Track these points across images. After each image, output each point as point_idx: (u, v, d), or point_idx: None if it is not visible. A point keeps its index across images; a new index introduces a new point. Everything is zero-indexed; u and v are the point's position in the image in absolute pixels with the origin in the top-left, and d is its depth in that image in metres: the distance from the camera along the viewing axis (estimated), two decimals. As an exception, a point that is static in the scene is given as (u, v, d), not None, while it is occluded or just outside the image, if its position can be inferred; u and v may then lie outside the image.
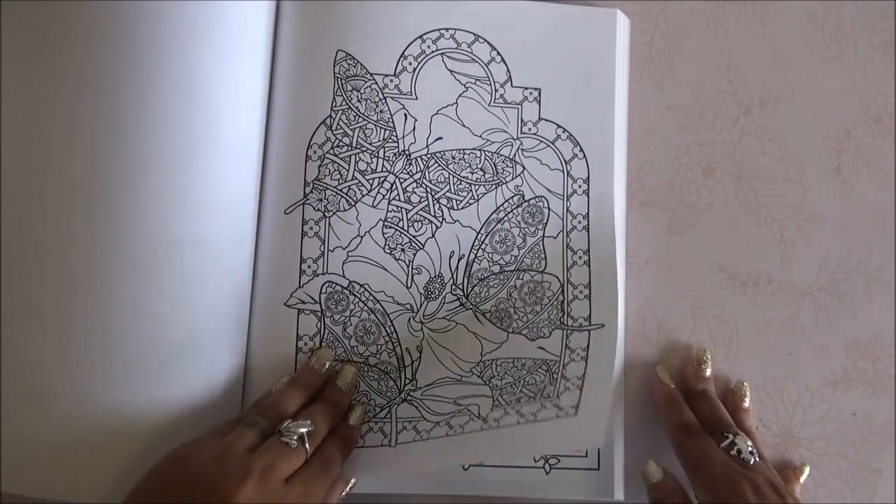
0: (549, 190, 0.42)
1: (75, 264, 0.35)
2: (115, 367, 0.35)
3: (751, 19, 0.46)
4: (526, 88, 0.43)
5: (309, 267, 0.41)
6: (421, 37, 0.42)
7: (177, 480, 0.31)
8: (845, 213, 0.45)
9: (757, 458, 0.37)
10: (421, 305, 0.41)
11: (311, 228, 0.41)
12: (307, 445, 0.34)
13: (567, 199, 0.42)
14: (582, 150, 0.42)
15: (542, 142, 0.42)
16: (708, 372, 0.42)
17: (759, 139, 0.45)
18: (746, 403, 0.42)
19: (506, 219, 0.42)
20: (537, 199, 0.42)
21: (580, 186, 0.42)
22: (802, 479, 0.42)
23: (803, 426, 0.44)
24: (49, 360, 0.35)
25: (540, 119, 0.42)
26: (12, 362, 0.35)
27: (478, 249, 0.42)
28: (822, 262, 0.45)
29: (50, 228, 0.35)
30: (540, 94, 0.43)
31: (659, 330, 0.44)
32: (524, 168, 0.42)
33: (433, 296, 0.41)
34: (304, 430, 0.34)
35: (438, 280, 0.41)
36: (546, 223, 0.42)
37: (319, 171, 0.41)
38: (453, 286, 0.41)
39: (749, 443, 0.38)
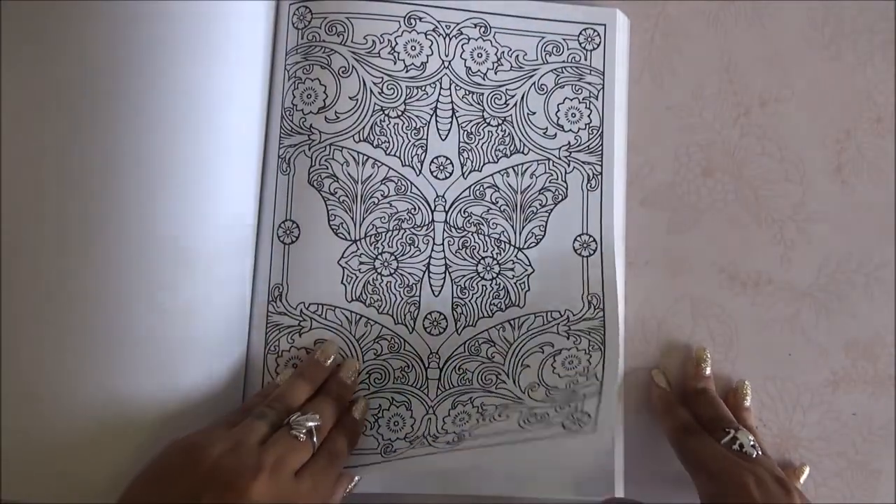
0: None
1: (75, 263, 0.35)
2: (114, 364, 0.35)
3: (751, 19, 0.46)
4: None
5: None
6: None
7: (188, 471, 0.30)
8: (845, 213, 0.45)
9: (760, 452, 0.37)
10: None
11: None
12: (315, 439, 0.34)
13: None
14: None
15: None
16: (708, 371, 0.42)
17: (759, 139, 0.45)
18: (748, 402, 0.42)
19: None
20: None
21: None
22: (802, 479, 0.42)
23: (803, 426, 0.44)
24: (48, 359, 0.35)
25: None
26: (11, 364, 0.35)
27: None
28: (822, 262, 0.45)
29: (50, 227, 0.35)
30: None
31: (659, 330, 0.44)
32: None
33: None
34: (312, 423, 0.34)
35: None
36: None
37: None
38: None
39: (751, 437, 0.37)
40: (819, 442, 0.43)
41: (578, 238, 0.42)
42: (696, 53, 0.46)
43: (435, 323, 0.41)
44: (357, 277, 0.41)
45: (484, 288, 0.41)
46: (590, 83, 0.43)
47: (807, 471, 0.43)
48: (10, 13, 0.36)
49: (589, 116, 0.43)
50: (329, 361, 0.39)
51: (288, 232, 0.41)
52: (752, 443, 0.37)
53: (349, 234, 0.41)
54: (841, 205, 0.45)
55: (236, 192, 0.39)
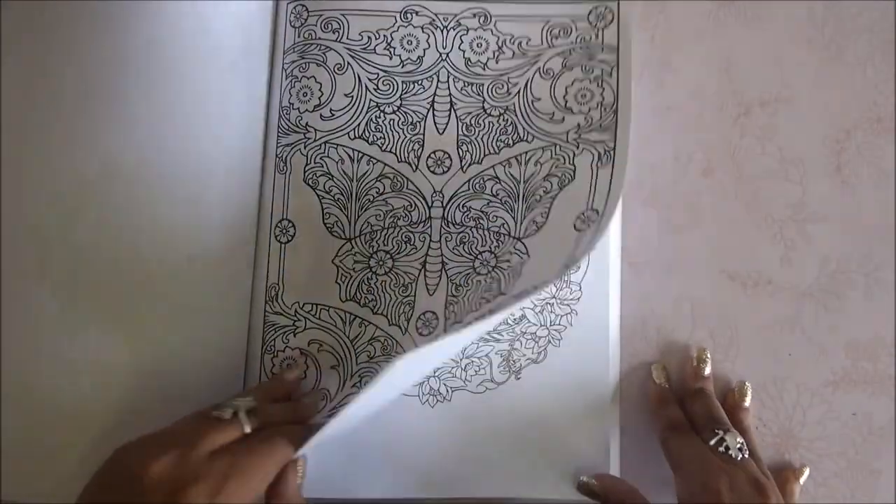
0: None
1: (73, 264, 0.35)
2: (114, 365, 0.35)
3: (751, 19, 0.46)
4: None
5: None
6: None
7: (111, 470, 0.30)
8: (845, 213, 0.45)
9: (745, 455, 0.37)
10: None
11: None
12: (245, 422, 0.32)
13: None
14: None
15: None
16: (707, 371, 0.42)
17: (759, 139, 0.45)
18: (747, 403, 0.42)
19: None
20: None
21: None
22: (802, 480, 0.42)
23: (803, 426, 0.44)
24: (49, 362, 0.35)
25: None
26: (12, 366, 0.35)
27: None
28: (822, 262, 0.45)
29: (49, 227, 0.35)
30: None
31: (659, 330, 0.44)
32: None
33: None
34: (241, 403, 0.32)
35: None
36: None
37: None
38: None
39: (739, 439, 0.37)
40: (819, 442, 0.43)
41: (581, 216, 0.40)
42: (696, 53, 0.46)
43: (427, 323, 0.41)
44: (351, 277, 0.41)
45: (478, 284, 0.41)
46: (603, 61, 0.42)
47: (807, 472, 0.42)
48: (10, 13, 0.36)
49: (602, 95, 0.42)
50: (291, 378, 0.39)
51: (284, 231, 0.41)
52: (738, 445, 0.37)
53: (343, 232, 0.41)
54: (841, 205, 0.45)
55: (235, 192, 0.39)
